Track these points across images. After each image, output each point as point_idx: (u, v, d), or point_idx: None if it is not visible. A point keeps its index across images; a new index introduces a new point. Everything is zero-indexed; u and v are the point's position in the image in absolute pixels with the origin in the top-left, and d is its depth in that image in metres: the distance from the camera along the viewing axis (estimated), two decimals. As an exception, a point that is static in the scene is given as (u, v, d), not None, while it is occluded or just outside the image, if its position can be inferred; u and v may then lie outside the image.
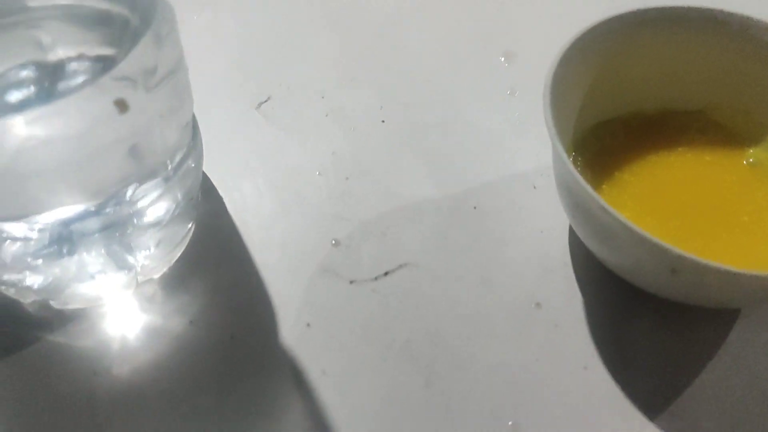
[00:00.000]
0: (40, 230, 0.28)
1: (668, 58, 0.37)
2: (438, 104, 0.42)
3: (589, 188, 0.28)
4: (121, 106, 0.25)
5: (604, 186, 0.35)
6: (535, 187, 0.37)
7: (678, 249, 0.26)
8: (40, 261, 0.29)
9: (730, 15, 0.35)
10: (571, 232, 0.35)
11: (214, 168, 0.38)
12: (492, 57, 0.45)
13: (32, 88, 0.28)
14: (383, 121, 0.40)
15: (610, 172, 0.36)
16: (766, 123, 0.36)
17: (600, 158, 0.36)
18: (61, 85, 0.29)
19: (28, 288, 0.30)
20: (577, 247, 0.35)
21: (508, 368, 0.31)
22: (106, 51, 0.29)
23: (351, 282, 0.34)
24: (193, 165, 0.33)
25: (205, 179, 0.37)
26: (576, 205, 0.31)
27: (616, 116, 0.37)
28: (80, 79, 0.29)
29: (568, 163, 0.29)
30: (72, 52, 0.28)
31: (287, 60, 0.44)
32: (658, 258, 0.28)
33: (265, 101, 0.41)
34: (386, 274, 0.34)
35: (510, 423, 0.30)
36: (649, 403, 0.31)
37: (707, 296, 0.30)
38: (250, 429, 0.30)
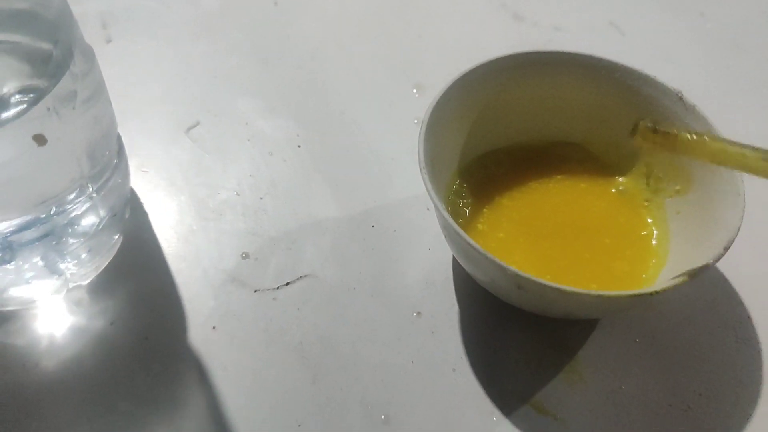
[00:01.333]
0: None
1: (548, 96, 0.41)
2: (350, 132, 0.46)
3: (448, 217, 0.33)
4: (39, 140, 0.30)
5: (485, 209, 0.39)
6: (428, 209, 0.42)
7: (517, 270, 0.31)
8: (-23, 268, 0.33)
9: (599, 60, 0.39)
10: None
11: (144, 186, 0.42)
12: (404, 88, 0.49)
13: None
14: (299, 147, 0.45)
15: (491, 197, 0.40)
16: (632, 155, 0.41)
17: (484, 184, 0.40)
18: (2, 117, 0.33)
19: (-33, 292, 0.35)
20: (457, 264, 0.40)
21: (386, 368, 0.36)
22: (34, 82, 0.33)
23: (255, 291, 0.38)
24: (117, 184, 0.37)
25: (134, 196, 0.41)
26: (444, 228, 0.35)
27: (501, 147, 0.42)
28: (13, 109, 0.33)
29: (436, 199, 0.33)
30: (6, 83, 0.32)
31: (216, 89, 0.48)
32: (505, 277, 0.32)
33: (194, 126, 0.46)
34: (287, 284, 0.39)
35: (382, 416, 0.35)
36: (508, 403, 0.35)
37: (553, 309, 0.35)
38: (161, 418, 0.34)
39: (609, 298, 0.31)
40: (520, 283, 0.32)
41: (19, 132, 0.29)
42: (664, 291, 0.31)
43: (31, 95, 0.30)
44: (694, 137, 0.32)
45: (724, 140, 0.32)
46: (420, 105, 0.47)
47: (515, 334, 0.37)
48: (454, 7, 0.56)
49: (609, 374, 0.36)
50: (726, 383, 0.36)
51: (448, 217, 0.32)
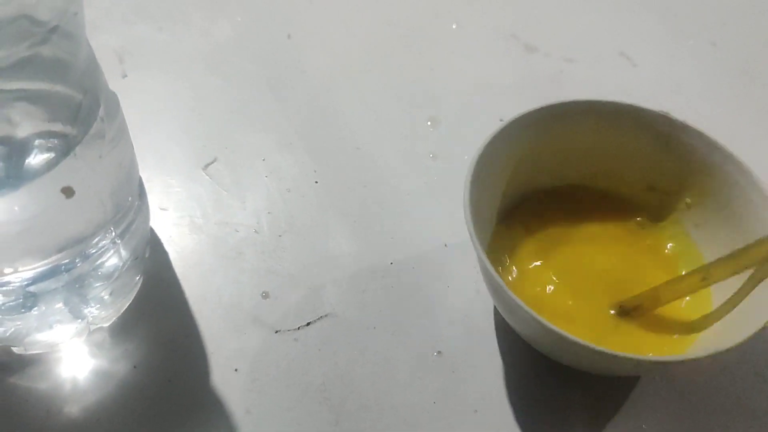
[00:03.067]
0: (4, 292, 0.32)
1: (579, 141, 0.40)
2: (366, 167, 0.46)
3: (495, 275, 0.32)
4: (68, 192, 0.30)
5: (519, 262, 0.39)
6: (446, 246, 0.42)
7: (567, 333, 0.30)
8: (2, 316, 0.34)
9: (637, 109, 0.39)
10: (475, 288, 0.40)
11: (163, 225, 0.42)
12: (419, 122, 0.50)
13: (1, 165, 0.32)
14: (316, 182, 0.45)
15: (525, 248, 0.39)
16: (672, 201, 0.40)
17: (517, 237, 0.40)
18: (27, 163, 0.33)
19: (-8, 337, 0.35)
20: (478, 302, 0.40)
21: (408, 409, 0.36)
22: (63, 129, 0.33)
23: (276, 331, 0.39)
24: (139, 226, 0.37)
25: (154, 235, 0.42)
26: (489, 284, 0.35)
27: (532, 194, 0.41)
28: (43, 156, 0.33)
29: (483, 257, 0.33)
30: (36, 129, 0.33)
31: (233, 125, 0.48)
32: (550, 337, 0.32)
33: (212, 162, 0.46)
34: (308, 324, 0.39)
35: (406, 458, 0.35)
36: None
37: (594, 368, 0.35)
38: (183, 461, 0.34)
39: (657, 363, 0.31)
40: (565, 346, 0.32)
41: (48, 185, 0.30)
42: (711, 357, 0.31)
43: (55, 141, 0.31)
44: (662, 292, 0.36)
45: (689, 275, 0.35)
46: (434, 137, 0.47)
47: (541, 374, 0.37)
48: (465, 39, 0.56)
49: (633, 417, 0.36)
50: (744, 422, 0.36)
51: (496, 276, 0.32)
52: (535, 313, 0.31)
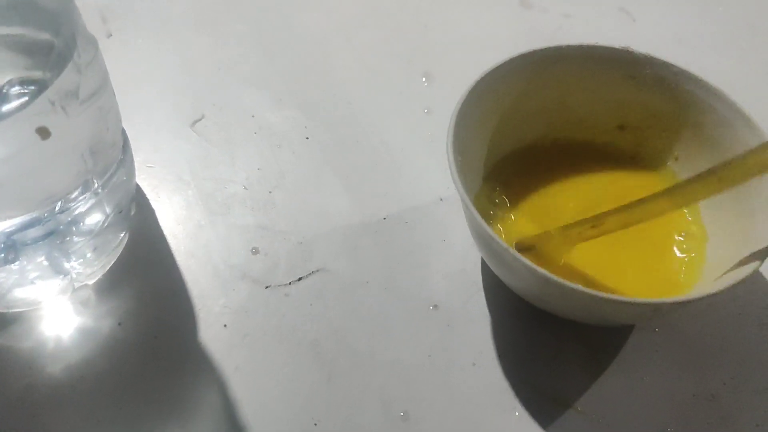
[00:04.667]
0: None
1: (575, 91, 0.39)
2: (359, 122, 0.45)
3: (480, 219, 0.31)
4: (43, 133, 0.28)
5: (512, 210, 0.38)
6: (441, 200, 0.41)
7: (557, 277, 0.29)
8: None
9: (633, 53, 0.38)
10: (471, 242, 0.39)
11: (150, 182, 0.41)
12: (413, 77, 0.48)
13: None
14: (307, 138, 0.44)
15: (518, 198, 0.38)
16: (663, 151, 0.39)
17: (511, 185, 0.39)
18: (2, 110, 0.32)
19: (-28, 293, 0.34)
20: (475, 257, 0.39)
21: (403, 364, 0.35)
22: (36, 74, 0.32)
23: (266, 287, 0.37)
24: (122, 180, 0.36)
25: (140, 192, 0.40)
26: (474, 230, 0.34)
27: (526, 145, 0.40)
28: (15, 102, 0.32)
29: (468, 202, 0.32)
30: (7, 76, 0.31)
31: (221, 82, 0.47)
32: (538, 282, 0.31)
33: (200, 120, 0.45)
34: (299, 279, 0.38)
35: (401, 413, 0.34)
36: (531, 397, 0.34)
37: (586, 316, 0.34)
38: (172, 419, 0.33)
39: (654, 305, 0.30)
40: (560, 290, 0.30)
41: (21, 125, 0.28)
42: (706, 297, 0.29)
43: (33, 88, 0.30)
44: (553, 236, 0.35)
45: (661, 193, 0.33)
46: (429, 94, 0.46)
47: (535, 327, 0.36)
48: (461, -5, 0.55)
49: (631, 366, 0.35)
50: (751, 371, 0.35)
51: (480, 220, 0.31)
52: (524, 259, 0.30)
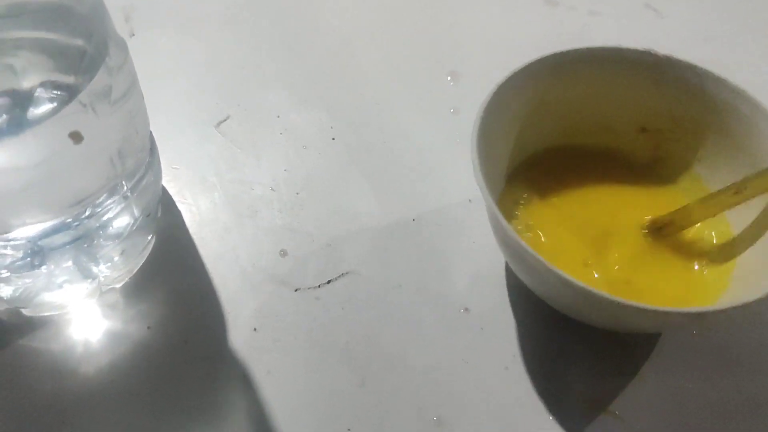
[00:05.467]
0: (12, 246, 0.31)
1: (598, 95, 0.38)
2: (385, 123, 0.45)
3: (505, 224, 0.30)
4: (76, 137, 0.28)
5: (535, 214, 0.37)
6: (470, 201, 0.41)
7: (587, 285, 0.28)
8: (11, 273, 0.32)
9: (658, 56, 0.37)
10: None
11: (175, 184, 0.41)
12: (439, 76, 0.48)
13: (3, 117, 0.30)
14: (333, 139, 0.44)
15: (541, 201, 0.38)
16: (684, 160, 0.38)
17: (535, 187, 0.38)
18: (31, 112, 0.32)
19: (0, 298, 0.33)
20: (503, 258, 0.38)
21: (436, 368, 0.35)
22: (67, 79, 0.31)
23: (296, 290, 0.37)
24: (150, 183, 0.36)
25: (166, 194, 0.40)
26: (498, 234, 0.33)
27: (550, 147, 0.39)
28: (47, 106, 0.32)
29: (493, 206, 0.31)
30: (40, 80, 0.31)
31: (245, 82, 0.47)
32: (567, 291, 0.30)
33: (224, 120, 0.44)
34: (329, 282, 0.37)
35: (434, 418, 0.33)
36: (566, 401, 0.34)
37: (613, 323, 0.33)
38: (201, 425, 0.33)
39: (683, 314, 0.29)
40: (588, 299, 0.30)
41: (55, 130, 0.28)
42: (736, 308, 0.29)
43: (63, 92, 0.29)
44: (694, 210, 0.35)
45: (716, 195, 0.35)
46: (455, 93, 0.46)
47: (570, 331, 0.36)
48: (485, -8, 0.54)
49: (669, 371, 0.35)
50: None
51: (506, 225, 0.30)
52: (554, 267, 0.29)
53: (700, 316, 0.29)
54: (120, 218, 0.34)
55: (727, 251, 0.35)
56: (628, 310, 0.28)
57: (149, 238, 0.38)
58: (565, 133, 0.39)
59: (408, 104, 0.46)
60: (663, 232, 0.36)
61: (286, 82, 0.47)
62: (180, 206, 0.40)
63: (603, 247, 0.36)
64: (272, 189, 0.41)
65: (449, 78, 0.48)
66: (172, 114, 0.44)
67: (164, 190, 0.40)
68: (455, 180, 0.42)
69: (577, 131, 0.39)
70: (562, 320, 0.36)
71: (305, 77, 0.47)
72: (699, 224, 0.36)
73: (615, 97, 0.38)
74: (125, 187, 0.33)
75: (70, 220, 0.32)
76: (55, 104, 0.28)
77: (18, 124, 0.28)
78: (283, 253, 0.38)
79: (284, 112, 0.45)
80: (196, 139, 0.43)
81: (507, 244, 0.32)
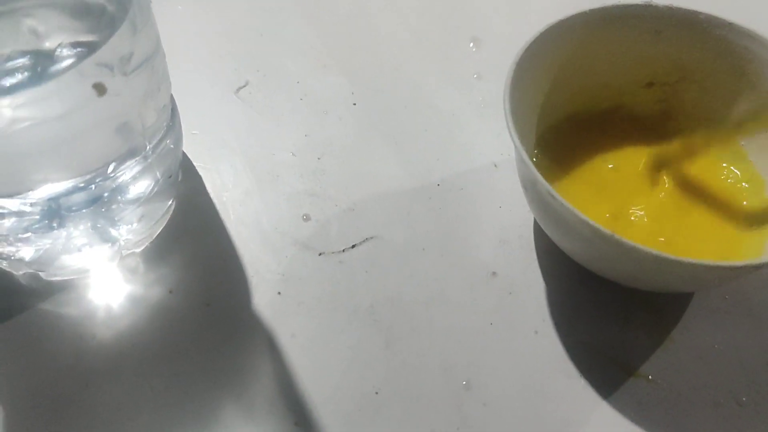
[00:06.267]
0: (32, 205, 0.30)
1: (630, 55, 0.38)
2: (407, 88, 0.44)
3: (548, 186, 0.29)
4: (100, 89, 0.27)
5: (564, 178, 0.36)
6: (495, 166, 0.40)
7: (622, 238, 0.28)
8: (31, 234, 0.31)
9: (693, 13, 0.36)
10: (528, 208, 0.38)
11: (195, 149, 0.40)
12: (461, 43, 0.47)
13: (26, 74, 0.30)
14: (354, 104, 0.43)
15: (570, 165, 0.37)
16: (722, 117, 0.38)
17: (562, 152, 0.37)
18: (52, 70, 0.31)
19: (20, 260, 0.33)
20: (532, 221, 0.37)
21: (463, 331, 0.34)
22: (88, 38, 0.31)
23: (320, 254, 0.36)
24: (171, 145, 0.35)
25: (186, 159, 0.39)
26: (531, 187, 0.32)
27: (579, 111, 0.39)
28: (68, 64, 0.31)
29: (529, 163, 0.30)
30: (60, 39, 0.30)
31: (264, 48, 0.46)
32: (603, 243, 0.29)
33: (244, 86, 0.43)
34: (353, 246, 0.37)
35: (463, 382, 0.32)
36: (597, 365, 0.33)
37: (648, 280, 0.32)
38: (225, 389, 0.32)
39: (720, 268, 0.28)
40: (624, 251, 0.29)
41: (76, 82, 0.27)
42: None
43: (86, 50, 0.28)
44: None
45: None
46: (478, 59, 0.45)
47: (600, 294, 0.35)
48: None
49: (700, 333, 0.34)
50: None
51: (538, 175, 0.30)
52: (586, 217, 0.28)
53: (743, 270, 0.28)
54: (140, 180, 0.34)
55: (763, 213, 0.35)
56: (667, 263, 0.28)
57: (169, 202, 0.37)
58: (574, 100, 0.39)
59: (430, 70, 0.45)
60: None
61: (306, 48, 0.46)
62: (200, 171, 0.39)
63: (630, 207, 0.35)
64: (293, 154, 0.40)
65: (471, 44, 0.47)
66: (191, 81, 0.43)
67: (184, 156, 0.40)
68: (480, 145, 0.41)
69: (587, 96, 0.39)
70: (592, 284, 0.35)
71: (324, 43, 0.46)
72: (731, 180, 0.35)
73: (619, 56, 0.38)
74: (147, 147, 0.33)
75: (91, 179, 0.31)
76: (75, 59, 0.28)
77: (39, 78, 0.27)
78: (306, 218, 0.37)
79: (304, 78, 0.44)
80: (215, 106, 0.42)
81: (538, 197, 0.31)
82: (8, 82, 0.29)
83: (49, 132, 0.28)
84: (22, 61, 0.29)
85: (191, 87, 0.43)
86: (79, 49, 0.29)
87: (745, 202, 0.35)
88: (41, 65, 0.30)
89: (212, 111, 0.42)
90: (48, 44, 0.29)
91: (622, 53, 0.38)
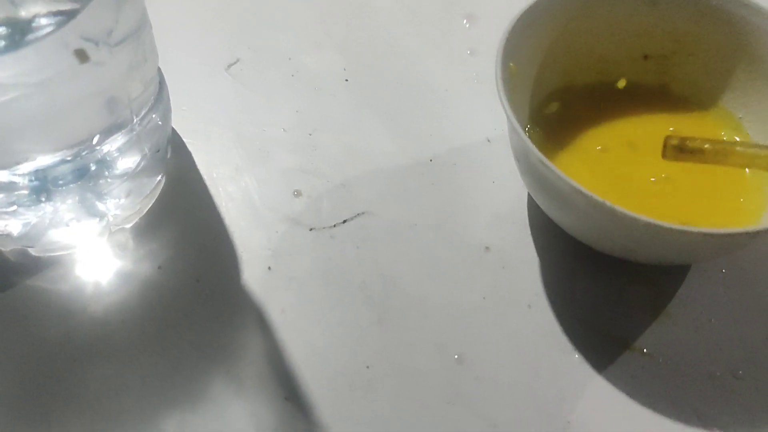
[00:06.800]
0: (19, 176, 0.30)
1: (625, 27, 0.37)
2: (399, 64, 0.43)
3: (540, 155, 0.29)
4: (81, 56, 0.27)
5: (558, 152, 0.36)
6: (488, 141, 0.39)
7: (616, 205, 0.28)
8: (18, 207, 0.31)
9: None
10: (521, 183, 0.37)
11: (185, 125, 0.39)
12: (455, 19, 0.46)
13: (1, 43, 0.29)
14: (347, 80, 0.42)
15: (564, 139, 0.37)
16: (718, 89, 0.37)
17: (555, 125, 0.37)
18: (30, 38, 0.30)
19: (8, 235, 0.32)
20: (525, 196, 0.37)
21: (456, 306, 0.33)
22: (69, 6, 0.30)
23: (311, 229, 0.36)
24: (159, 120, 0.35)
25: (176, 135, 0.39)
26: (524, 158, 0.32)
27: (573, 84, 0.38)
28: (46, 32, 0.30)
29: (521, 132, 0.30)
30: (40, 8, 0.30)
31: (256, 24, 0.45)
32: (597, 213, 0.29)
33: (234, 63, 0.43)
34: (344, 221, 0.36)
35: (456, 356, 0.32)
36: (591, 339, 0.33)
37: (646, 251, 0.32)
38: (214, 364, 0.32)
39: (715, 235, 0.28)
40: (618, 220, 0.28)
41: (56, 47, 0.27)
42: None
43: (66, 18, 0.28)
44: (725, 148, 0.32)
45: (752, 146, 0.33)
46: (472, 35, 0.44)
47: (594, 268, 0.35)
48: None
49: (697, 306, 0.34)
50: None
51: (531, 145, 0.29)
52: (581, 186, 0.28)
53: (739, 237, 0.28)
54: (127, 154, 0.33)
55: (762, 184, 0.34)
56: (662, 232, 0.27)
57: (158, 178, 0.36)
58: (568, 73, 0.38)
59: (423, 46, 0.44)
60: (686, 152, 0.33)
61: (297, 24, 0.45)
62: (190, 148, 0.39)
63: (626, 180, 0.35)
64: (284, 130, 0.40)
65: (465, 21, 0.46)
66: (181, 57, 0.43)
67: (174, 132, 0.39)
68: (473, 120, 0.40)
69: (581, 69, 0.38)
70: (586, 258, 0.35)
71: (316, 19, 0.46)
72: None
73: (614, 28, 0.37)
74: (134, 120, 0.32)
75: (77, 151, 0.31)
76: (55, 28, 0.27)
77: (16, 46, 0.27)
78: (297, 194, 0.37)
79: (295, 54, 0.44)
80: (205, 82, 0.42)
81: (531, 168, 0.31)
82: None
83: (33, 102, 0.28)
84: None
85: (182, 63, 0.42)
86: (59, 18, 0.29)
87: (747, 171, 0.35)
88: (19, 34, 0.29)
89: (203, 87, 0.42)
90: (24, 13, 0.28)
91: (617, 25, 0.37)
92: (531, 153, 0.29)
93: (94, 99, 0.30)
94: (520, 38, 0.33)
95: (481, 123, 0.40)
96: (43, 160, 0.30)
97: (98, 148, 0.31)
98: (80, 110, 0.30)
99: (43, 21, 0.28)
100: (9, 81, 0.26)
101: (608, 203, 0.27)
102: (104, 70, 0.29)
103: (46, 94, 0.28)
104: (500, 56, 0.32)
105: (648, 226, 0.27)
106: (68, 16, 0.28)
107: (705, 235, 0.28)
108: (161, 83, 0.35)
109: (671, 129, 0.37)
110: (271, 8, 0.46)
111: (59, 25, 0.27)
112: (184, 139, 0.39)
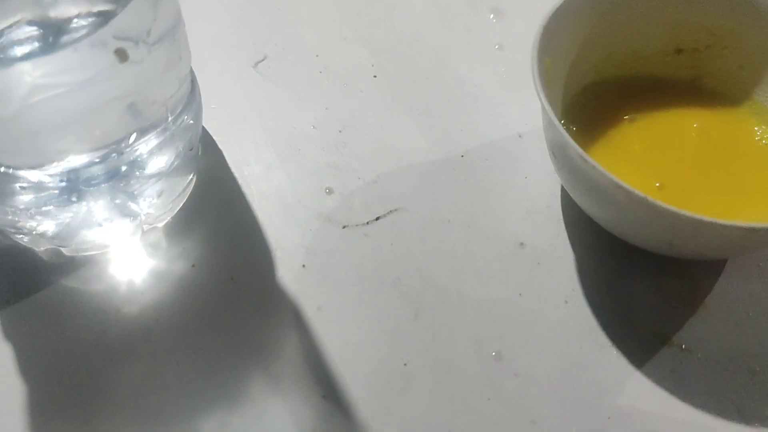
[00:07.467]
0: (51, 176, 0.30)
1: (659, 21, 0.37)
2: (428, 60, 0.43)
3: (580, 150, 0.29)
4: (122, 55, 0.27)
5: (593, 145, 0.36)
6: (520, 136, 0.39)
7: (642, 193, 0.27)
8: (51, 207, 0.31)
9: None
10: (555, 179, 0.37)
11: (214, 123, 0.39)
12: (481, 14, 0.46)
13: (36, 44, 0.29)
14: (375, 77, 0.42)
15: (598, 132, 0.36)
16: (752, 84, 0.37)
17: (590, 119, 0.37)
18: (64, 40, 0.30)
19: (42, 235, 0.32)
20: (559, 191, 0.37)
21: (492, 302, 0.33)
22: (106, 7, 0.30)
23: (344, 227, 0.36)
24: (191, 119, 0.34)
25: (206, 134, 0.39)
26: (560, 151, 0.32)
27: (607, 78, 0.38)
28: (82, 34, 0.30)
29: (559, 127, 0.30)
30: (74, 10, 0.30)
31: (282, 21, 0.45)
32: (636, 207, 0.29)
33: (262, 60, 0.43)
34: (377, 218, 0.36)
35: (493, 353, 0.32)
36: (630, 335, 0.33)
37: (680, 245, 0.31)
38: (251, 362, 0.31)
39: (756, 230, 0.27)
40: (658, 215, 0.28)
41: (99, 48, 0.26)
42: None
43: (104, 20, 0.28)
44: None
45: None
46: (499, 30, 0.44)
47: (631, 263, 0.34)
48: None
49: (734, 300, 0.34)
50: None
51: (568, 137, 0.29)
52: (621, 181, 0.28)
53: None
54: (160, 154, 0.33)
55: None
56: (703, 227, 0.27)
57: (190, 177, 0.36)
58: (601, 68, 0.38)
59: (451, 41, 0.44)
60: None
61: (324, 20, 0.45)
62: (221, 146, 0.39)
63: (662, 175, 0.34)
64: (314, 127, 0.40)
65: (492, 16, 0.46)
66: (207, 55, 0.43)
67: (204, 130, 0.39)
68: (504, 115, 0.40)
69: (614, 64, 0.38)
70: (622, 253, 0.34)
71: (343, 15, 0.45)
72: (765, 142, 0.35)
73: (647, 22, 0.37)
74: (168, 119, 0.32)
75: (110, 151, 0.30)
76: (91, 29, 0.27)
77: (51, 47, 0.27)
78: (329, 191, 0.37)
79: (323, 51, 0.43)
80: (234, 80, 0.42)
81: (569, 162, 0.30)
82: (20, 51, 0.28)
83: (71, 102, 0.28)
84: (29, 30, 0.28)
85: (210, 61, 0.42)
86: (95, 19, 0.29)
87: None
88: (53, 34, 0.29)
89: (231, 85, 0.41)
90: (56, 14, 0.28)
91: (650, 19, 0.37)
92: (570, 147, 0.29)
93: (132, 98, 0.30)
94: (555, 33, 0.33)
95: (512, 118, 0.40)
96: (76, 160, 0.30)
97: (133, 147, 0.31)
98: (117, 110, 0.30)
99: (81, 22, 0.28)
100: (46, 81, 0.26)
101: (650, 198, 0.27)
102: (142, 69, 0.29)
103: (85, 94, 0.28)
104: (536, 52, 0.31)
105: (691, 221, 0.27)
106: (107, 16, 0.28)
107: (748, 229, 0.27)
108: (193, 81, 0.35)
109: (695, 125, 0.37)
110: (297, 4, 0.46)
111: (98, 26, 0.27)
112: (215, 138, 0.39)
